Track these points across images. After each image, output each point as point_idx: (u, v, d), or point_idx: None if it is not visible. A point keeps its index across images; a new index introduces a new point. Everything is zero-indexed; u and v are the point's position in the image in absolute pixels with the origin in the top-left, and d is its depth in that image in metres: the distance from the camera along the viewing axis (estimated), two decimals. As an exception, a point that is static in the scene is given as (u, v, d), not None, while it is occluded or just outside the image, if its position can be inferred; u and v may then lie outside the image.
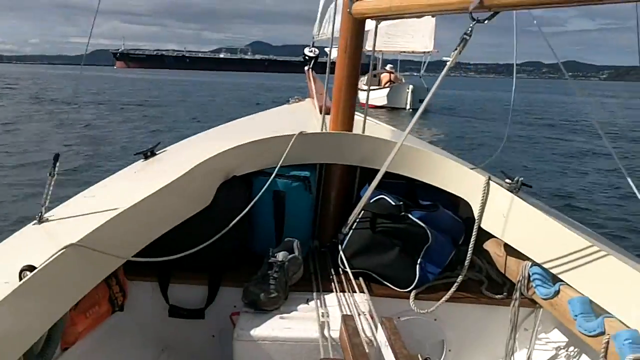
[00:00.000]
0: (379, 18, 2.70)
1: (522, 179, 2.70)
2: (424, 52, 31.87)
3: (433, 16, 2.33)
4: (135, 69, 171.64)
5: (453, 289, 2.44)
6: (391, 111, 28.76)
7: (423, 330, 2.55)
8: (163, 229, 2.28)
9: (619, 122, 27.14)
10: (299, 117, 3.83)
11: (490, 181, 2.55)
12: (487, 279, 2.66)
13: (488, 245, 2.66)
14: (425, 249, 2.56)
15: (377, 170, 2.54)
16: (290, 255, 2.46)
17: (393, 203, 2.60)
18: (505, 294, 2.54)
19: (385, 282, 2.58)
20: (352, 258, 2.62)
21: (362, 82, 33.04)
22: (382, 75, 31.94)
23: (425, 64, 33.96)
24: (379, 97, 30.19)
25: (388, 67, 32.93)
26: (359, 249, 2.61)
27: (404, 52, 32.40)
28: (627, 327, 1.81)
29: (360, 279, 2.59)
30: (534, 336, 2.43)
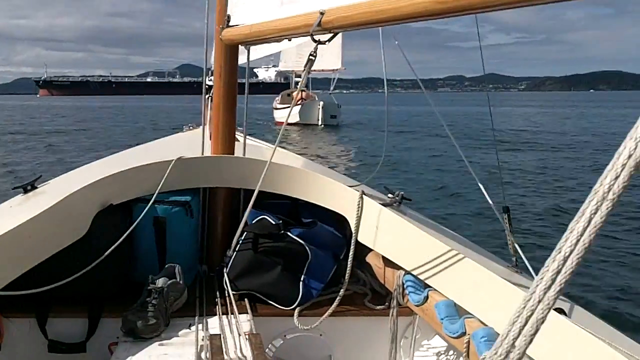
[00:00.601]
0: (247, 43, 2.78)
1: (402, 192, 2.82)
2: (333, 70, 33.46)
3: (289, 40, 2.43)
4: (59, 97, 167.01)
5: (335, 303, 2.50)
6: (304, 127, 29.75)
7: (310, 347, 2.59)
8: (35, 260, 2.23)
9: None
10: (188, 144, 3.86)
11: (364, 196, 2.64)
12: (370, 291, 2.73)
13: (369, 258, 2.75)
14: (307, 265, 2.61)
15: (261, 192, 2.58)
16: (170, 281, 2.45)
17: (273, 222, 2.65)
18: (386, 304, 2.62)
19: (270, 302, 2.61)
20: (236, 280, 2.63)
21: (277, 101, 34.05)
22: (294, 94, 32.81)
23: (335, 81, 35.28)
24: (291, 114, 30.76)
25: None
26: (242, 270, 2.63)
27: (315, 70, 33.60)
28: (485, 325, 1.91)
29: (246, 299, 2.61)
30: (413, 343, 2.52)
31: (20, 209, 2.82)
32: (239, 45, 2.90)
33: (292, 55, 32.45)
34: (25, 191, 3.02)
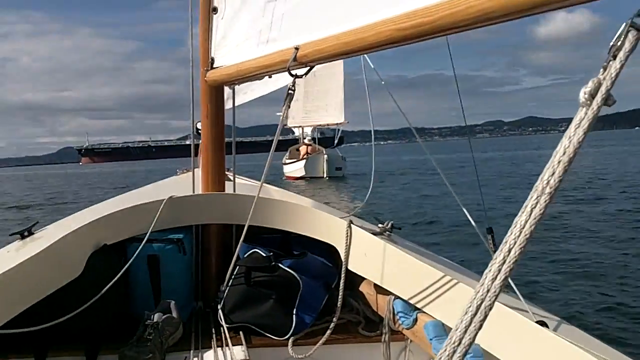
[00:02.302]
0: (231, 83, 2.90)
1: (392, 222, 2.90)
2: (337, 124, 34.55)
3: (270, 76, 2.54)
4: (100, 163, 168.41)
5: (329, 331, 2.54)
6: (310, 180, 30.39)
7: None
8: (31, 300, 2.28)
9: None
10: (180, 185, 3.95)
11: (352, 225, 2.71)
12: (364, 319, 2.77)
13: (362, 287, 2.80)
14: (299, 295, 2.66)
15: (252, 227, 2.65)
16: (165, 316, 2.51)
17: (264, 255, 2.71)
18: (379, 331, 2.66)
19: (264, 332, 2.65)
20: (231, 313, 2.68)
21: (286, 157, 35.05)
22: (300, 148, 34.37)
23: (339, 133, 36.28)
24: (297, 168, 32.46)
25: (306, 140, 34.78)
26: (236, 303, 2.68)
27: (321, 125, 34.80)
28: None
29: (240, 332, 2.65)
30: None
31: (17, 254, 2.88)
32: (224, 87, 3.02)
33: (300, 111, 33.84)
34: (23, 237, 3.09)
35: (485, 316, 0.94)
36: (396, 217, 13.00)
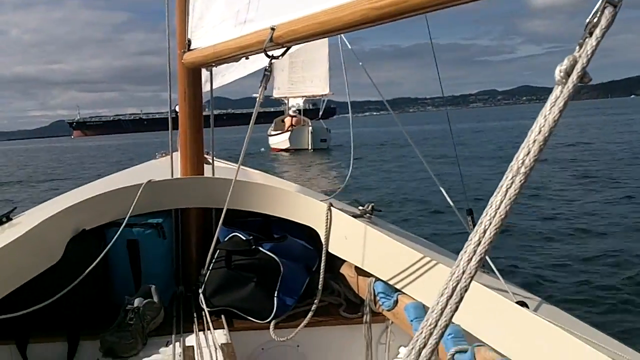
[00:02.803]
0: (208, 65, 2.85)
1: (373, 204, 2.89)
2: (322, 95, 34.66)
3: (247, 58, 2.50)
4: (92, 137, 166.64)
5: (310, 314, 2.54)
6: (294, 152, 30.59)
7: (287, 358, 2.62)
8: (11, 286, 2.26)
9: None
10: (159, 169, 3.90)
11: (332, 208, 2.70)
12: (345, 301, 2.77)
13: (343, 269, 2.79)
14: (280, 278, 2.66)
15: (232, 211, 2.63)
16: (146, 300, 2.49)
17: (244, 238, 2.70)
18: (360, 313, 2.66)
19: (246, 316, 2.65)
20: (212, 297, 2.67)
21: (271, 128, 35.09)
22: (285, 120, 34.53)
23: (324, 104, 36.24)
24: (281, 140, 32.67)
25: (291, 111, 34.78)
26: (217, 287, 2.67)
27: (306, 96, 34.78)
28: (452, 323, 1.96)
29: (222, 316, 2.64)
30: (388, 348, 2.56)
31: None
32: (202, 69, 2.97)
33: (285, 82, 33.85)
34: (1, 223, 3.05)
35: (461, 298, 0.93)
36: (378, 196, 13.12)
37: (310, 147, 31.57)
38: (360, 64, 3.13)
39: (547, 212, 10.54)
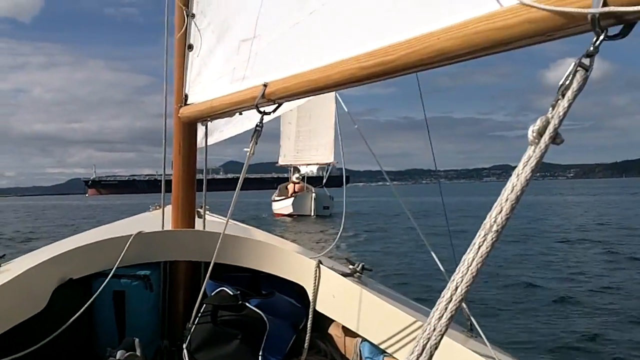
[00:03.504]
0: (203, 119, 2.89)
1: (363, 263, 2.88)
2: (326, 164, 35.05)
3: (240, 113, 2.54)
4: (106, 195, 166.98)
5: None
6: (297, 218, 30.75)
7: None
8: None
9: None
10: (150, 221, 3.91)
11: (321, 266, 2.68)
12: None
13: (331, 329, 2.75)
14: (266, 335, 2.61)
15: (221, 265, 2.61)
16: (128, 353, 2.43)
17: (231, 293, 2.67)
18: None
19: None
20: (196, 352, 2.62)
21: (275, 194, 35.47)
22: (288, 186, 35.01)
23: (328, 173, 36.55)
24: (285, 206, 33.01)
25: (294, 177, 35.23)
26: (201, 343, 2.62)
27: (310, 164, 35.33)
28: None
29: None
30: None
31: None
32: (198, 124, 3.02)
33: (291, 150, 34.57)
34: None
35: (431, 356, 0.92)
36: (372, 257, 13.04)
37: (313, 214, 31.86)
38: (356, 126, 3.15)
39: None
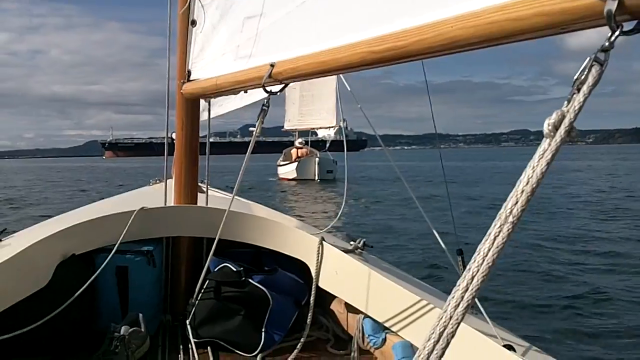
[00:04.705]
0: (207, 96, 2.89)
1: (364, 240, 2.91)
2: (329, 127, 35.23)
3: (245, 92, 2.54)
4: (124, 158, 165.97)
5: (297, 350, 2.53)
6: (301, 182, 30.92)
7: None
8: None
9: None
10: (152, 196, 3.92)
11: (323, 242, 2.71)
12: (333, 337, 2.76)
13: (333, 305, 2.80)
14: (269, 311, 2.65)
15: (224, 241, 2.63)
16: (132, 329, 2.47)
17: (234, 269, 2.70)
18: (348, 349, 2.65)
19: (232, 349, 2.63)
20: (199, 327, 2.66)
21: (280, 158, 35.74)
22: (291, 151, 35.12)
23: (331, 138, 36.87)
24: (288, 171, 33.48)
25: (297, 142, 35.42)
26: (204, 318, 2.66)
27: (314, 128, 35.55)
28: None
29: (208, 347, 2.63)
30: None
31: None
32: (200, 99, 3.01)
33: (295, 114, 34.60)
34: None
35: (448, 343, 0.95)
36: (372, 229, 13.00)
37: (316, 178, 32.16)
38: (359, 106, 3.15)
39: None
